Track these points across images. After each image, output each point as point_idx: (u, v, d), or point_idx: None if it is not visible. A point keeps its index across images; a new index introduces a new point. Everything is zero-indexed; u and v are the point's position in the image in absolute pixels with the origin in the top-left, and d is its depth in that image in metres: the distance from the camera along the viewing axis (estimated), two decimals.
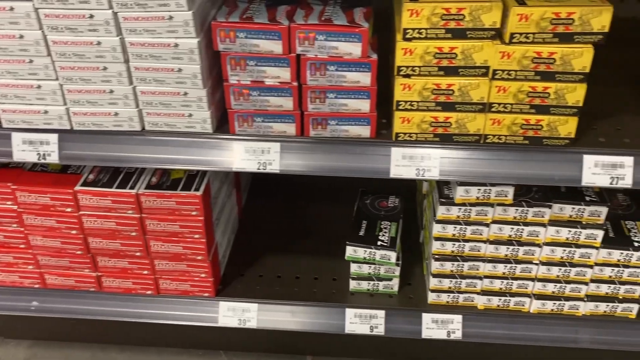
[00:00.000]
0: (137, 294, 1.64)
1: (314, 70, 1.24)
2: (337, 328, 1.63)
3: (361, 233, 1.60)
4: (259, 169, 1.34)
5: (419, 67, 1.22)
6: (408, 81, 1.24)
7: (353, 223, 1.63)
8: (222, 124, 1.37)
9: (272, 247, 1.81)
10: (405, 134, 1.31)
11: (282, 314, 1.64)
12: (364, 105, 1.28)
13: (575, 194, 1.45)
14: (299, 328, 1.63)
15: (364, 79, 1.25)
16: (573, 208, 1.44)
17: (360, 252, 1.57)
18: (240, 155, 1.34)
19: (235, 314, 1.64)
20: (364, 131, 1.32)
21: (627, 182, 1.30)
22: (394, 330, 1.62)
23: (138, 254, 1.56)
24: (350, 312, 1.62)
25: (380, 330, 1.61)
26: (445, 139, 1.31)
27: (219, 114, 1.38)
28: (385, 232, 1.60)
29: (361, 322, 1.62)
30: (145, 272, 1.60)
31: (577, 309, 1.58)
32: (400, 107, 1.27)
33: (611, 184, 1.30)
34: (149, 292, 1.64)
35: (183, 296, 1.64)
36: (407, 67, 1.22)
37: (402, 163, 1.33)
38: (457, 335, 1.61)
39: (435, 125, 1.29)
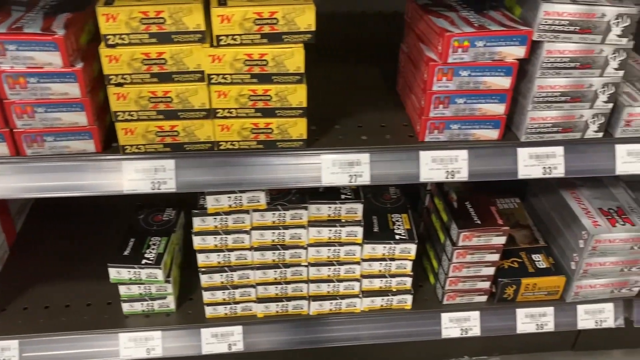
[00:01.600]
0: None
1: (13, 84, 1.12)
2: (112, 355, 1.52)
3: (126, 252, 1.50)
4: None
5: (129, 74, 1.14)
6: (121, 90, 1.16)
7: (120, 242, 1.53)
8: None
9: (44, 276, 1.67)
10: (132, 145, 1.23)
11: (48, 348, 1.50)
12: (80, 119, 1.19)
13: (333, 193, 1.45)
14: None
15: (72, 90, 1.15)
16: (329, 207, 1.43)
17: (125, 273, 1.47)
18: None
19: None
20: (88, 146, 1.23)
21: (365, 179, 1.30)
22: (172, 350, 1.54)
23: None
24: (123, 337, 1.52)
25: (157, 353, 1.53)
26: (176, 149, 1.25)
27: None
28: (153, 249, 1.51)
29: (136, 346, 1.52)
30: None
31: (355, 306, 1.59)
32: (120, 118, 1.19)
33: (350, 181, 1.30)
34: None
35: None
36: (116, 75, 1.14)
37: (136, 177, 1.24)
38: (239, 347, 1.56)
39: (162, 134, 1.22)
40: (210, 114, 1.21)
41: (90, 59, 1.19)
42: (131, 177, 1.24)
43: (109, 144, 1.27)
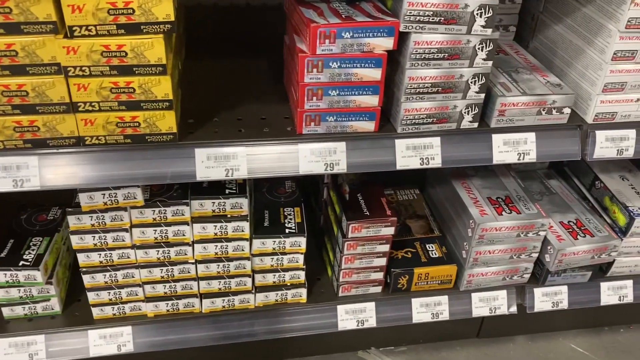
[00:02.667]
0: None
1: None
2: None
3: (3, 254, 1.44)
4: None
5: None
6: None
7: None
8: None
9: None
10: None
11: None
12: None
13: (218, 187, 1.42)
14: None
15: None
16: (213, 202, 1.40)
17: (0, 277, 1.41)
18: None
19: None
20: None
21: (242, 172, 1.28)
22: (58, 354, 1.48)
23: None
24: (2, 343, 1.46)
25: (41, 358, 1.47)
26: (39, 145, 1.20)
27: None
28: (33, 250, 1.45)
29: (17, 352, 1.46)
30: None
31: (249, 302, 1.57)
32: None
33: (227, 175, 1.27)
34: None
35: None
36: None
37: None
38: (129, 347, 1.51)
39: (21, 130, 1.17)
40: (71, 108, 1.16)
41: None
42: None
43: None
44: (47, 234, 1.50)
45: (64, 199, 1.58)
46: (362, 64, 1.22)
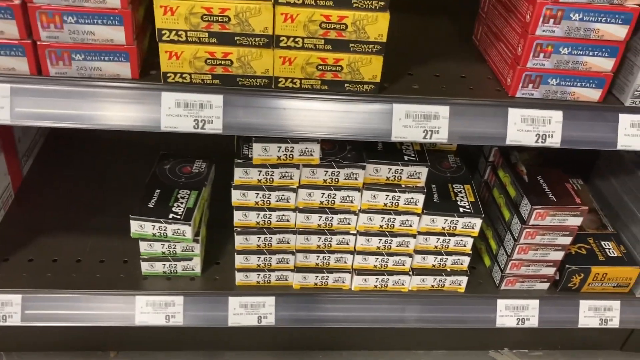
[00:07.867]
0: None
1: None
2: (126, 319, 1.34)
3: (151, 204, 1.31)
4: None
5: None
6: (170, 3, 0.96)
7: (144, 192, 1.34)
8: None
9: (53, 225, 1.48)
10: (175, 73, 1.03)
11: (54, 306, 1.32)
12: (117, 35, 0.99)
13: (394, 153, 1.26)
14: (76, 322, 1.32)
15: None
16: (390, 169, 1.24)
17: (148, 228, 1.29)
18: None
19: None
20: (123, 70, 1.03)
21: (442, 136, 1.11)
22: (195, 319, 1.36)
23: None
24: (141, 300, 1.34)
25: (177, 321, 1.35)
26: (227, 82, 1.05)
27: None
28: (181, 203, 1.32)
29: (155, 311, 1.34)
30: None
31: (403, 284, 1.41)
32: (165, 38, 0.99)
33: (424, 138, 1.11)
34: None
35: None
36: None
37: (176, 112, 1.05)
38: (270, 320, 1.38)
39: (213, 63, 1.02)
40: (271, 41, 1.01)
41: None
42: (171, 112, 1.05)
43: (145, 71, 1.07)
44: (194, 187, 1.37)
45: (203, 151, 1.47)
46: (608, 18, 1.03)
